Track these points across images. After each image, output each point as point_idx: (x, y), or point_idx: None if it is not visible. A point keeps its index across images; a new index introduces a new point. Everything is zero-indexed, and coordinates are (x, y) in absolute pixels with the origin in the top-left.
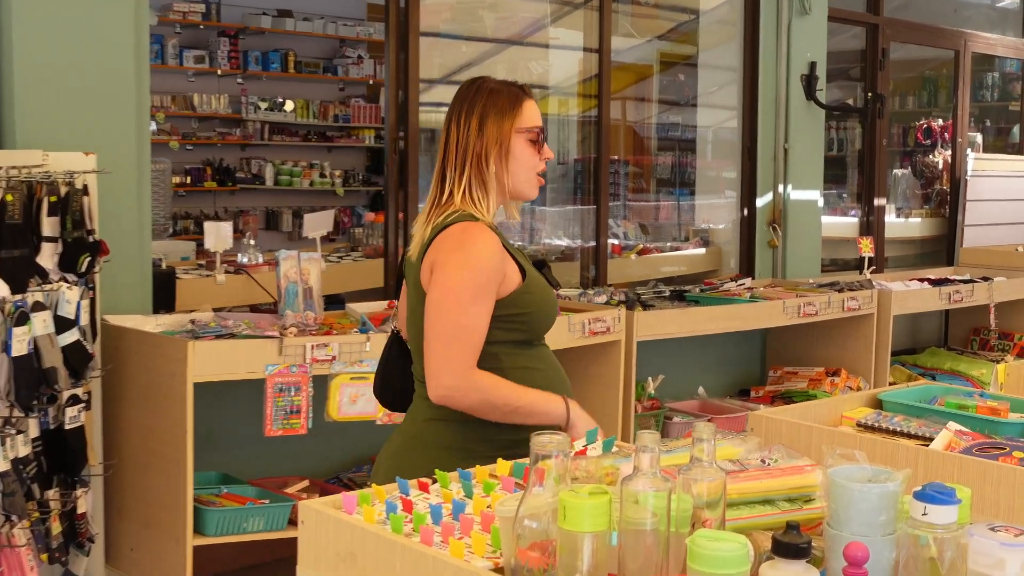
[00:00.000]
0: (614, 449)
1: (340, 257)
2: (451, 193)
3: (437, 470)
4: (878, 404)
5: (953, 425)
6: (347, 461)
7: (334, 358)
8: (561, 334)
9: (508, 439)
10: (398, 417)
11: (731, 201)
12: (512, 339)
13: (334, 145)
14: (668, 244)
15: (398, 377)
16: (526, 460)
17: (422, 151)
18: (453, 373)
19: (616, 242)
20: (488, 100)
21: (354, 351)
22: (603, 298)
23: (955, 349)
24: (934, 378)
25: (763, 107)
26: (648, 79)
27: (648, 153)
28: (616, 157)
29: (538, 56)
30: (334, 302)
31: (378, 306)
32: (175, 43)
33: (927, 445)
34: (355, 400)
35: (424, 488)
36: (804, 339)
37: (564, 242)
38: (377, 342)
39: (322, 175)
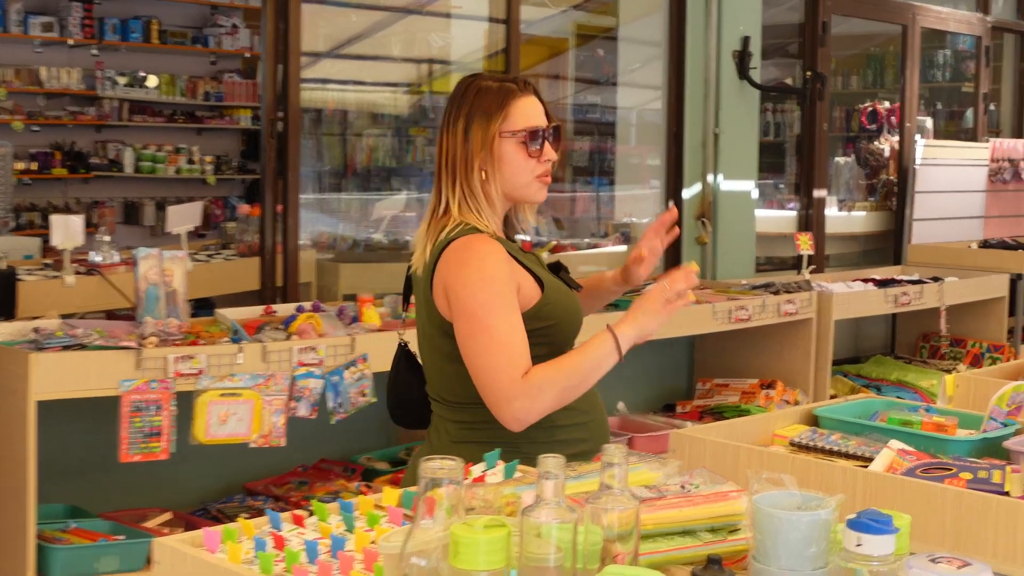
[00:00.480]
0: (516, 475)
1: (210, 256)
2: (447, 204)
3: (315, 501)
4: (814, 420)
5: (895, 444)
6: (217, 490)
7: (201, 372)
8: None
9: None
10: (276, 439)
11: (655, 192)
12: (539, 354)
13: (204, 127)
14: (585, 240)
15: (412, 393)
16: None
17: (305, 133)
18: (514, 396)
19: (526, 238)
20: (475, 102)
21: (224, 364)
22: None
23: (903, 357)
24: (879, 390)
25: (691, 87)
26: (563, 54)
27: (564, 138)
28: None
29: (438, 27)
30: (202, 307)
31: (252, 312)
32: (19, 8)
33: (866, 466)
34: (225, 420)
35: (299, 521)
36: (736, 347)
37: None
38: (252, 353)
39: (190, 161)
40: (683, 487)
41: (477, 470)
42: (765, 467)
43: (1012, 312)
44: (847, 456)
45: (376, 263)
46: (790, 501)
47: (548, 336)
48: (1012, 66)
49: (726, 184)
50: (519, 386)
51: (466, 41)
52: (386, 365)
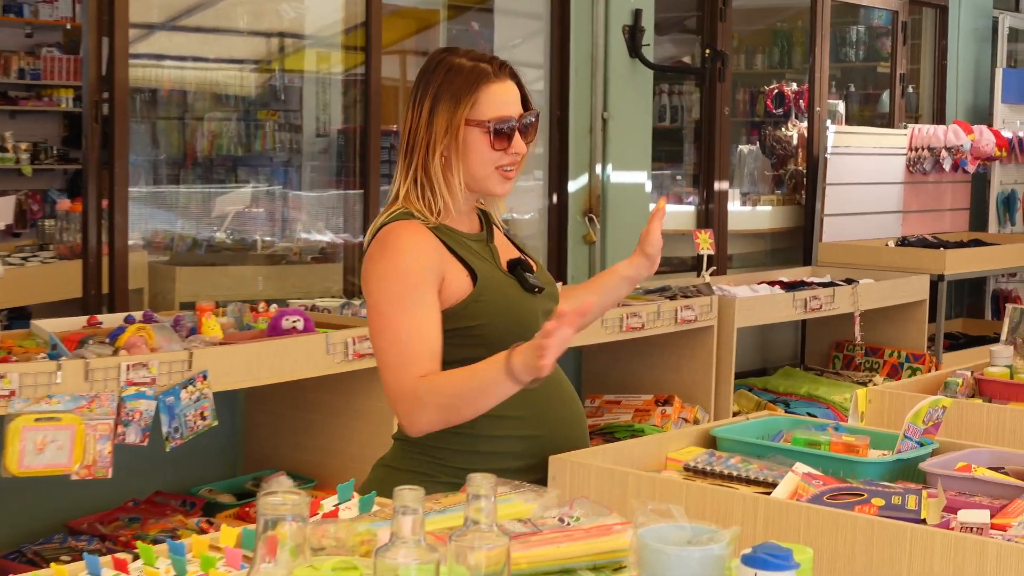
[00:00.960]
0: (374, 509)
1: (25, 258)
2: (398, 188)
3: (139, 543)
4: (712, 442)
5: (801, 467)
6: (34, 529)
7: (13, 393)
8: (317, 358)
9: (461, 465)
10: (101, 469)
11: (537, 185)
12: (472, 356)
13: (19, 109)
14: None
15: None
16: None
17: (136, 117)
18: (400, 397)
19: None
20: (444, 81)
21: (40, 384)
22: None
23: (813, 369)
24: (788, 405)
25: (576, 66)
26: (432, 28)
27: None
28: (392, 127)
29: None
30: (16, 318)
31: (74, 323)
32: None
33: (769, 493)
34: (42, 448)
35: (122, 567)
36: (628, 360)
37: (323, 237)
38: (73, 371)
39: (2, 149)
40: (561, 520)
41: (329, 503)
42: (656, 495)
43: (933, 318)
44: (747, 482)
45: (219, 266)
46: (679, 535)
47: (480, 338)
48: (932, 44)
49: (616, 176)
50: (407, 388)
51: (322, 13)
52: (230, 383)
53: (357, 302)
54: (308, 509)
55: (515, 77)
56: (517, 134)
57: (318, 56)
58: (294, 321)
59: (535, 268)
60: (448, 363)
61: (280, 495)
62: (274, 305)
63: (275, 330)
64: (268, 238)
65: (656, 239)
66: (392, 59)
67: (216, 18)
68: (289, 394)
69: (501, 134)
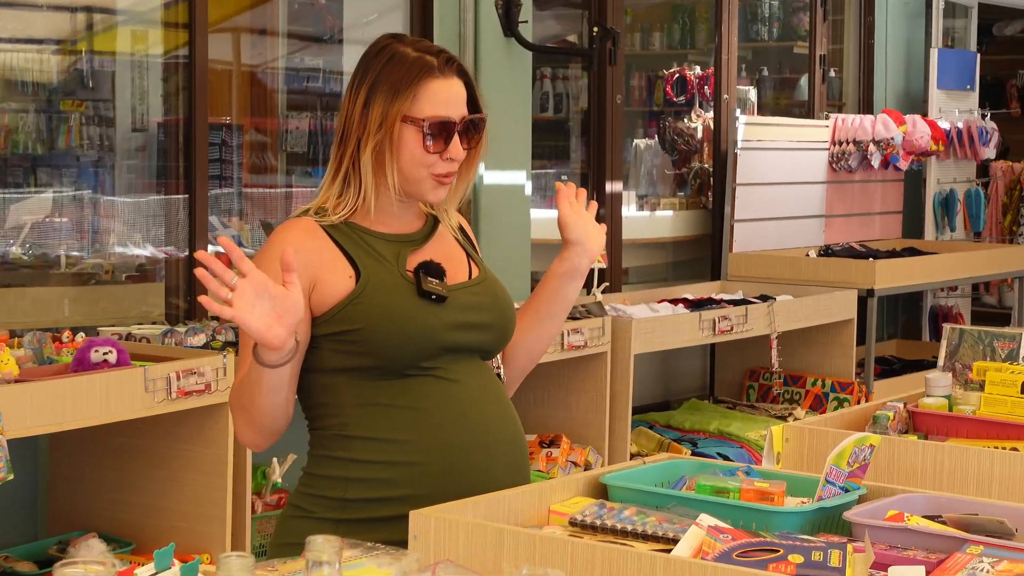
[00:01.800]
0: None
1: None
2: (329, 176)
3: None
4: (603, 491)
5: (706, 519)
6: None
7: None
8: (134, 397)
9: (336, 495)
10: None
11: None
12: (355, 366)
13: None
14: None
15: None
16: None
17: None
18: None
19: (224, 251)
20: (384, 70)
21: None
22: (201, 338)
23: (725, 402)
24: (695, 445)
25: (441, 46)
26: (269, 2)
27: (273, 114)
28: (225, 119)
29: None
30: None
31: None
32: None
33: (669, 550)
34: None
35: None
36: None
37: (141, 251)
38: None
39: None
40: None
41: (144, 573)
42: (536, 556)
43: (862, 340)
44: (644, 537)
45: (14, 287)
46: None
47: (359, 345)
48: (856, 20)
49: (490, 176)
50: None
51: None
52: (28, 428)
53: (182, 329)
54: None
55: (464, 75)
56: (456, 138)
57: (133, 35)
58: (105, 353)
59: (452, 274)
60: (328, 371)
61: (81, 566)
62: (81, 334)
63: (83, 364)
64: (74, 253)
65: (572, 220)
66: (222, 38)
67: None
68: (101, 441)
69: (437, 136)
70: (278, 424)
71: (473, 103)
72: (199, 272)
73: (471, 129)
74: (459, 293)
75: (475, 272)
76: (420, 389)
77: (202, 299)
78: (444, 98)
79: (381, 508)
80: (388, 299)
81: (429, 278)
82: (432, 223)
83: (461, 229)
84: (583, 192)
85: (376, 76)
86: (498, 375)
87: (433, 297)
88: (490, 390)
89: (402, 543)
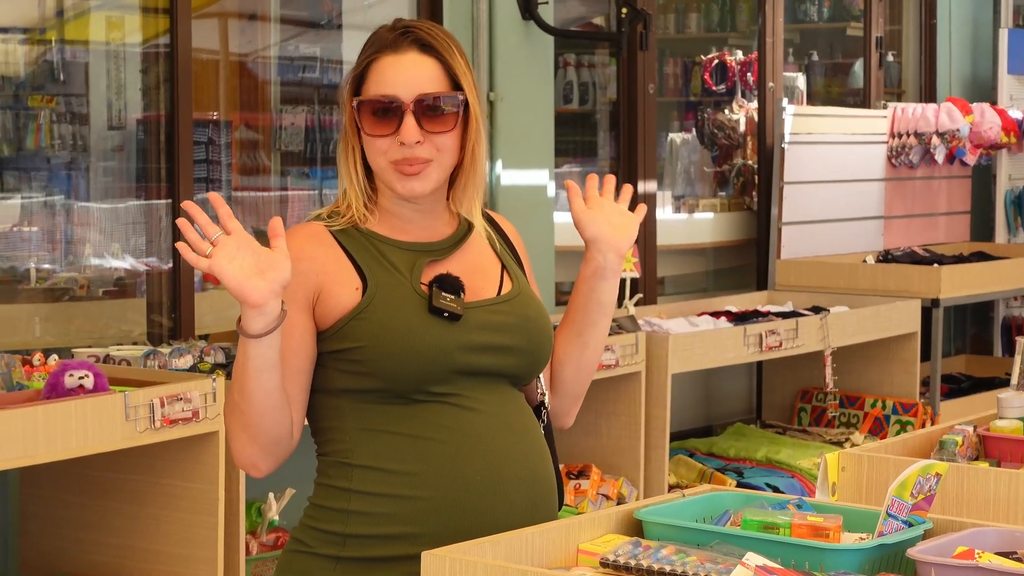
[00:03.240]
0: None
1: None
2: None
3: None
4: (638, 527)
5: (754, 558)
6: None
7: None
8: (113, 426)
9: (336, 529)
10: None
11: None
12: (359, 387)
13: None
14: None
15: None
16: None
17: None
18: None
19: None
20: (359, 54)
21: None
22: (187, 359)
23: (774, 426)
24: (741, 475)
25: (452, 31)
26: None
27: (266, 109)
28: (212, 115)
29: None
30: None
31: None
32: None
33: None
34: None
35: None
36: None
37: (120, 263)
38: None
39: None
40: None
41: None
42: None
43: (926, 355)
44: None
45: None
46: None
47: (362, 364)
48: None
49: (509, 175)
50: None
51: None
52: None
53: (165, 350)
54: None
55: (428, 48)
56: (411, 119)
57: (109, 22)
58: (81, 377)
59: (477, 289)
60: (333, 392)
61: None
62: (54, 356)
63: (56, 390)
64: (46, 266)
65: (587, 217)
66: (208, 24)
67: None
68: (77, 475)
69: (381, 118)
70: (277, 432)
71: (452, 81)
72: (181, 221)
73: (435, 110)
74: (478, 311)
75: (507, 288)
76: (430, 416)
77: (179, 245)
78: (390, 75)
79: (382, 546)
80: (394, 315)
81: (443, 293)
82: (464, 231)
83: (504, 237)
84: (609, 180)
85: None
86: (541, 404)
87: (445, 315)
88: (514, 420)
89: None
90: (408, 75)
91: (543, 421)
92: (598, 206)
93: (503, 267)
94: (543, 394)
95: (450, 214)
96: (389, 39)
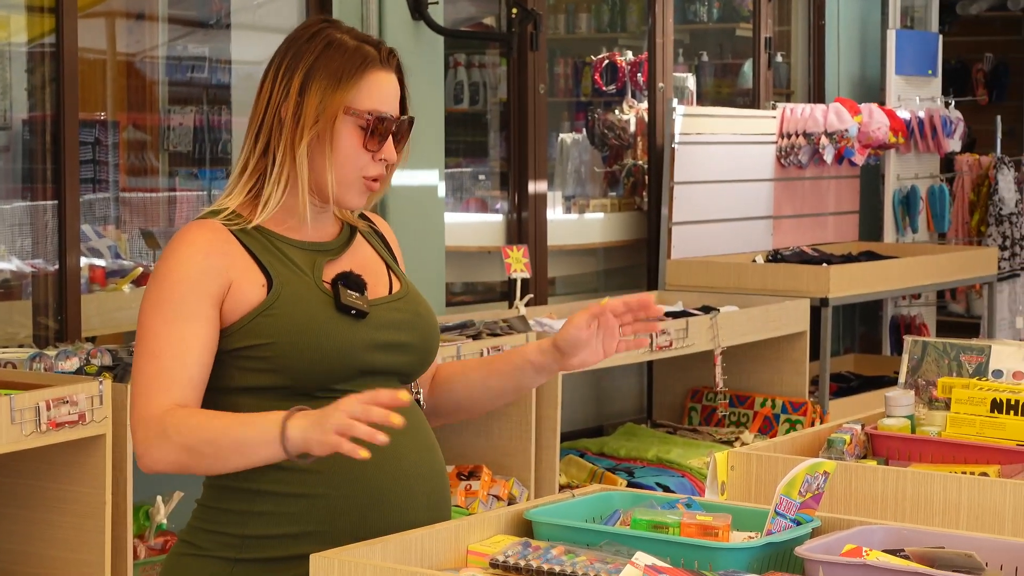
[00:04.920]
0: None
1: None
2: (238, 173)
3: None
4: (528, 528)
5: (643, 558)
6: None
7: None
8: (0, 429)
9: (235, 531)
10: None
11: None
12: (262, 385)
13: None
14: None
15: None
16: None
17: None
18: (139, 423)
19: (100, 263)
20: (322, 56)
21: None
22: (74, 362)
23: (664, 426)
24: (632, 474)
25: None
26: None
27: (154, 109)
28: (99, 115)
29: None
30: None
31: None
32: None
33: None
34: None
35: None
36: None
37: (6, 265)
38: None
39: None
40: None
41: None
42: None
43: (816, 355)
44: None
45: None
46: None
47: (268, 361)
48: None
49: (399, 175)
50: (152, 414)
51: None
52: None
53: (52, 353)
54: None
55: (399, 72)
56: (391, 138)
57: None
58: None
59: (371, 287)
60: (233, 390)
61: None
62: None
63: None
64: None
65: (582, 338)
66: (94, 24)
67: None
68: None
69: (375, 132)
70: None
71: (404, 105)
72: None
73: (401, 131)
74: (380, 309)
75: (396, 286)
76: None
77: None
78: (384, 92)
79: (281, 546)
80: (303, 312)
81: (349, 291)
82: (349, 231)
83: (381, 236)
84: (646, 305)
85: (313, 62)
86: (417, 400)
87: (353, 312)
88: (409, 417)
89: None
90: (395, 96)
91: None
92: (607, 332)
93: (387, 266)
94: (417, 393)
95: (332, 214)
96: (379, 56)
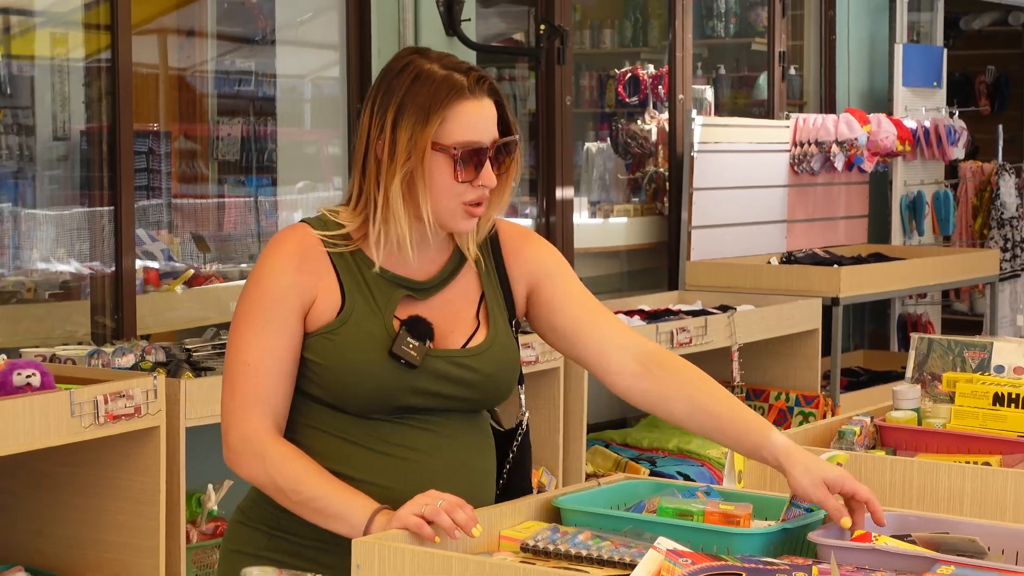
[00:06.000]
0: None
1: None
2: (349, 201)
3: None
4: (556, 514)
5: (664, 542)
6: None
7: None
8: (59, 422)
9: (292, 528)
10: None
11: (338, 195)
12: (314, 394)
13: None
14: (240, 267)
15: None
16: None
17: None
18: (235, 428)
19: (153, 266)
20: (411, 90)
21: None
22: (129, 359)
23: None
24: (654, 464)
25: (379, 48)
26: (197, 2)
27: (203, 120)
28: (152, 126)
29: None
30: None
31: None
32: None
33: None
34: None
35: None
36: None
37: (65, 267)
38: None
39: None
40: None
41: None
42: None
43: (827, 351)
44: (600, 563)
45: None
46: None
47: (320, 379)
48: (817, 15)
49: None
50: (250, 430)
51: None
52: None
53: (109, 350)
54: None
55: (494, 94)
56: (488, 164)
57: (53, 38)
58: (28, 376)
59: (447, 335)
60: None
61: None
62: (2, 356)
63: (4, 388)
64: None
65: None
66: (147, 40)
67: None
68: (25, 469)
69: (468, 163)
70: None
71: (504, 125)
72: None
73: (502, 152)
74: (439, 361)
75: (480, 337)
76: (376, 431)
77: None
78: (474, 121)
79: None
80: (358, 346)
81: (408, 338)
82: (453, 267)
83: (500, 269)
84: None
85: (402, 98)
86: (519, 423)
87: (403, 362)
88: (461, 442)
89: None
90: (488, 121)
91: (517, 439)
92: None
93: (481, 310)
94: (524, 413)
95: (443, 246)
96: (467, 84)
